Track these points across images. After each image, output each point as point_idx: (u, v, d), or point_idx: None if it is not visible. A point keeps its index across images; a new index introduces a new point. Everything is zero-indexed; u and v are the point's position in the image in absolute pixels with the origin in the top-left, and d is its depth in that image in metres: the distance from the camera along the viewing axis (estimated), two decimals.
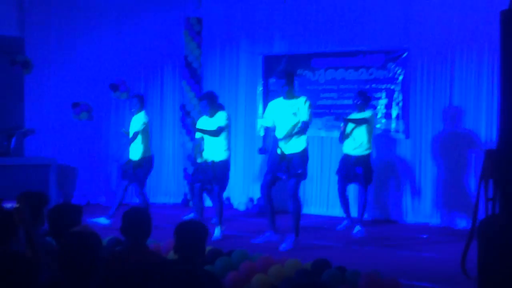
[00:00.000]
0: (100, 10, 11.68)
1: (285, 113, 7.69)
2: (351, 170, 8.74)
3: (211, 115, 8.44)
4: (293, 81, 7.75)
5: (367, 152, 8.72)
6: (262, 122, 8.05)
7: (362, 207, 8.61)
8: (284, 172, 7.66)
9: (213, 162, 8.38)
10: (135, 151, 9.16)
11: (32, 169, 10.63)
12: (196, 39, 11.50)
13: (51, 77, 11.62)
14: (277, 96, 8.04)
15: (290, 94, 7.71)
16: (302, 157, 7.66)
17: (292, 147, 7.67)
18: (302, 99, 7.74)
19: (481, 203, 4.55)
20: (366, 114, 8.79)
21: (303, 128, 7.65)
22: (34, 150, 11.39)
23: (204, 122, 8.55)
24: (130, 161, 9.18)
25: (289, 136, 7.65)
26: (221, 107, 8.71)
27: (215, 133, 8.29)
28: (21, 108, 11.38)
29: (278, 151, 7.69)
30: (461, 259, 3.86)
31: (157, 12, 11.72)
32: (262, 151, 7.92)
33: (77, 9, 11.62)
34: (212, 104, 8.44)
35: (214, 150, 8.40)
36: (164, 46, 11.79)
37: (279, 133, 7.75)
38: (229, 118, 8.50)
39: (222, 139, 8.37)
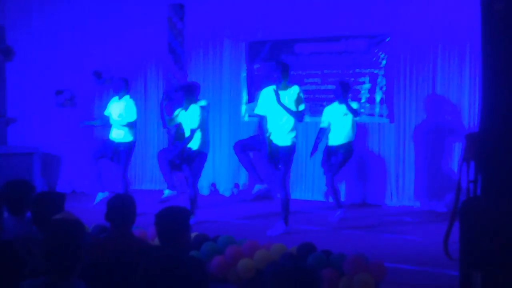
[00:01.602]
0: None
1: (277, 105, 7.64)
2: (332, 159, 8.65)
3: (186, 108, 8.40)
4: (287, 72, 7.70)
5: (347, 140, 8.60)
6: (256, 111, 7.99)
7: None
8: (270, 160, 7.68)
9: (190, 149, 8.31)
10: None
11: (16, 158, 10.58)
12: (179, 25, 11.46)
13: (33, 65, 11.54)
14: (264, 82, 8.00)
15: (283, 85, 7.67)
16: (290, 150, 7.67)
17: (283, 139, 7.65)
18: (295, 89, 7.70)
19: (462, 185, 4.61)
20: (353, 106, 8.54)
21: (299, 117, 7.63)
22: (17, 138, 11.32)
23: (181, 114, 8.49)
24: None
25: (280, 127, 7.65)
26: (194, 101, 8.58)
27: (190, 138, 8.27)
28: (3, 96, 11.31)
29: (268, 140, 7.70)
30: (443, 241, 3.90)
31: None
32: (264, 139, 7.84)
33: None
34: (188, 96, 8.38)
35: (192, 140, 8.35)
36: (147, 32, 11.72)
37: (271, 124, 7.72)
38: (201, 114, 8.33)
39: (198, 134, 8.29)
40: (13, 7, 11.24)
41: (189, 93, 8.40)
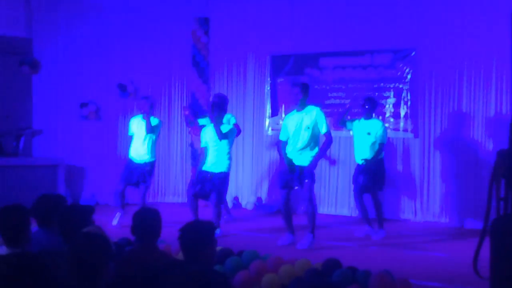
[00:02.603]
0: (108, 9, 11.68)
1: (298, 126, 7.72)
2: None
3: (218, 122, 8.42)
4: (307, 91, 7.76)
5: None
6: (280, 136, 8.03)
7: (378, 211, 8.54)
8: (297, 181, 7.71)
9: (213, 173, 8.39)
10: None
11: (40, 170, 10.64)
12: (204, 39, 11.50)
13: (59, 78, 11.63)
14: (287, 98, 8.02)
15: (303, 104, 7.73)
16: (312, 167, 7.72)
17: (304, 159, 7.70)
18: (315, 110, 7.74)
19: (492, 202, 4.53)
20: (379, 125, 8.51)
21: (328, 141, 7.79)
22: (42, 150, 11.40)
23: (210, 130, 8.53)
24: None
25: (303, 148, 7.69)
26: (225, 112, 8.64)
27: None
28: (29, 108, 11.41)
29: (290, 163, 7.73)
30: (473, 259, 3.83)
31: (164, 11, 11.71)
32: (290, 167, 7.79)
33: (85, 9, 11.63)
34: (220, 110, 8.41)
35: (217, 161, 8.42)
36: (172, 45, 11.80)
37: (293, 145, 7.77)
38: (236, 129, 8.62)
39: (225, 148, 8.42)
40: (40, 20, 11.36)
41: (221, 107, 8.45)
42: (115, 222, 8.93)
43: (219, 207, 8.32)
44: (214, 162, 8.35)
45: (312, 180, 7.70)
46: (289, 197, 7.88)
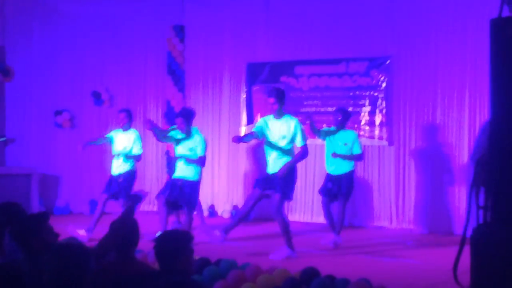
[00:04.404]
0: (83, 18, 11.60)
1: (275, 134, 7.67)
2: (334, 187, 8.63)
3: (187, 134, 8.39)
4: (283, 98, 7.70)
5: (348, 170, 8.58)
6: (254, 128, 7.97)
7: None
8: (270, 189, 7.66)
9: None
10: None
11: (14, 178, 10.53)
12: (179, 47, 11.47)
13: (32, 85, 11.53)
14: (263, 107, 7.98)
15: (279, 112, 7.68)
16: (290, 177, 7.65)
17: (278, 167, 7.63)
18: (293, 122, 7.66)
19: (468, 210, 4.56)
20: (352, 136, 8.54)
21: (303, 153, 7.72)
22: (15, 159, 11.27)
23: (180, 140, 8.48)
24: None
25: (278, 158, 7.64)
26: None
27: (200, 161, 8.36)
28: (2, 116, 11.29)
29: (267, 170, 7.70)
30: (453, 267, 3.85)
31: (140, 19, 11.66)
32: (236, 138, 7.85)
33: (60, 17, 11.54)
34: (187, 122, 8.37)
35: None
36: (147, 53, 11.74)
37: (269, 153, 7.73)
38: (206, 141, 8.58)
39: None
40: (14, 28, 11.24)
41: (188, 119, 8.39)
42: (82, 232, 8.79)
43: (190, 216, 8.31)
44: (184, 169, 8.34)
45: (285, 193, 7.64)
46: (257, 201, 7.86)
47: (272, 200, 7.69)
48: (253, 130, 7.96)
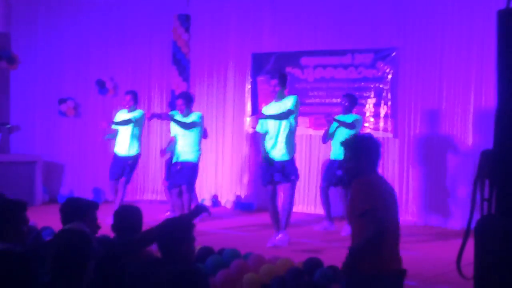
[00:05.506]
0: (88, 5, 11.59)
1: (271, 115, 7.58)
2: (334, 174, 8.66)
3: (186, 116, 8.50)
4: (285, 82, 7.67)
5: None
6: (257, 128, 7.91)
7: None
8: (278, 173, 7.59)
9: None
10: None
11: (18, 166, 10.55)
12: (184, 36, 11.44)
13: (37, 73, 11.53)
14: (267, 95, 7.96)
15: (281, 95, 7.62)
16: (292, 164, 7.63)
17: (281, 153, 7.58)
18: (292, 96, 7.66)
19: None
20: (353, 117, 8.62)
21: (286, 114, 7.43)
22: (19, 146, 11.29)
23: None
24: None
25: (277, 138, 7.56)
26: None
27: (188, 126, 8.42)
28: (7, 104, 11.29)
29: (269, 156, 7.61)
30: (456, 259, 3.85)
31: (145, 8, 11.63)
32: (265, 159, 7.64)
33: (65, 4, 11.53)
34: (188, 104, 8.50)
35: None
36: (152, 42, 11.72)
37: (270, 137, 7.65)
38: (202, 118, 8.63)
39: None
40: (19, 15, 11.24)
41: (188, 101, 8.55)
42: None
43: (190, 195, 8.41)
44: (183, 151, 8.39)
45: (294, 180, 7.65)
46: (275, 193, 7.77)
47: (283, 187, 7.66)
48: (257, 130, 7.92)
